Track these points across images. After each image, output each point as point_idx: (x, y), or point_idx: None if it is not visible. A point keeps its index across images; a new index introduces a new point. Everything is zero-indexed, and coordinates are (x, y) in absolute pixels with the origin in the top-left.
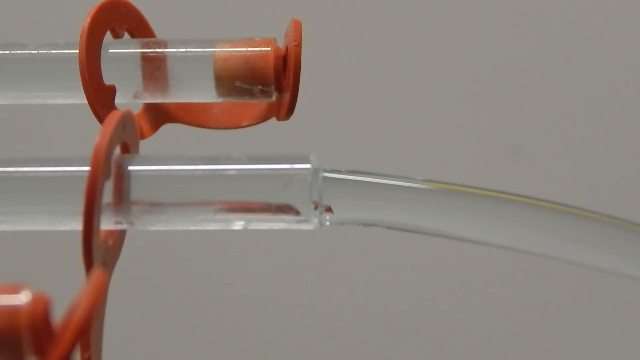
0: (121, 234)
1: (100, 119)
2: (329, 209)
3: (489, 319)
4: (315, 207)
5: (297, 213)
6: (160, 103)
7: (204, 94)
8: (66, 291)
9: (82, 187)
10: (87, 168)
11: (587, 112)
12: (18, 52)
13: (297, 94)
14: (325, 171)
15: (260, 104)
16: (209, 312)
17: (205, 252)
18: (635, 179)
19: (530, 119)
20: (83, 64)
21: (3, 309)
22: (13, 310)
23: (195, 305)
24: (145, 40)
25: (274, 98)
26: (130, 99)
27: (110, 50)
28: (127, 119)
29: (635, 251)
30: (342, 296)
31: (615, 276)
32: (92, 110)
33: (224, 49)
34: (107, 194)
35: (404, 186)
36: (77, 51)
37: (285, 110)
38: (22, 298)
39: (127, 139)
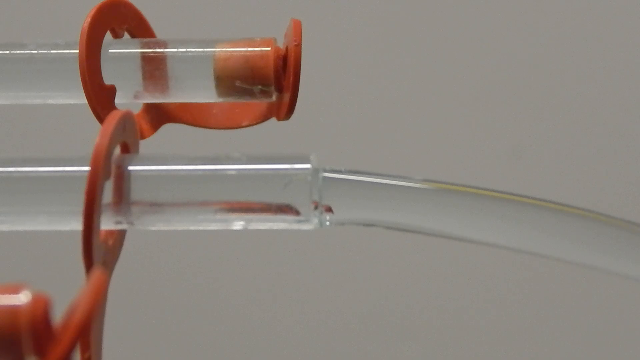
0: (121, 234)
1: (100, 119)
2: (329, 209)
3: (488, 318)
4: (315, 207)
5: (297, 213)
6: (160, 103)
7: (204, 94)
8: (66, 291)
9: (82, 187)
10: (87, 168)
11: (587, 113)
12: (18, 52)
13: (297, 94)
14: (325, 171)
15: (260, 104)
16: (209, 312)
17: (205, 252)
18: (635, 179)
19: (530, 120)
20: (83, 64)
21: (3, 309)
22: (13, 310)
23: (195, 305)
24: (145, 40)
25: (274, 98)
26: (130, 99)
27: (110, 50)
28: (127, 119)
29: (635, 251)
30: (342, 296)
31: (615, 276)
32: (92, 110)
33: (224, 49)
34: (107, 194)
35: (404, 186)
36: (77, 51)
37: (285, 110)
38: (22, 298)
39: (127, 139)
